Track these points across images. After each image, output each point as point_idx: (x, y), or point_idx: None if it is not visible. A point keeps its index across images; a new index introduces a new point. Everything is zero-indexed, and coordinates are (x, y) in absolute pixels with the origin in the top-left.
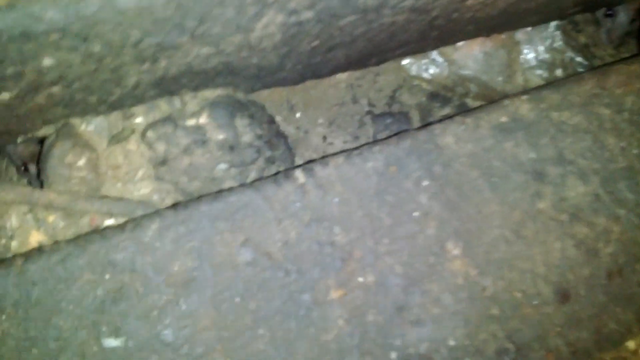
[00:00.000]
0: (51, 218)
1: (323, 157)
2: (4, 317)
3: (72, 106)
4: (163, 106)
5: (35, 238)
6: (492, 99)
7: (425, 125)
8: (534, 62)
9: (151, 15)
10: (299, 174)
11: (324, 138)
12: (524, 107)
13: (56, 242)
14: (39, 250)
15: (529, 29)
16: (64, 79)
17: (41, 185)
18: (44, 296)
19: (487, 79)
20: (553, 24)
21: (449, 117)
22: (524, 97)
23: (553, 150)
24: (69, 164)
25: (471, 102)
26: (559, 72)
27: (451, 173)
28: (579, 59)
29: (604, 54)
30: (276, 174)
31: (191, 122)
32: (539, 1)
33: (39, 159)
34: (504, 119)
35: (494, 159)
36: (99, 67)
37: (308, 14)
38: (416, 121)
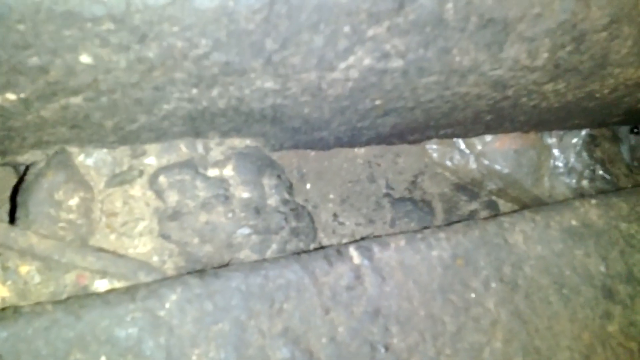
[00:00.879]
0: (25, 269)
1: (378, 236)
2: None
3: (79, 129)
4: (182, 148)
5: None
6: (522, 200)
7: (493, 216)
8: (562, 169)
9: (231, 23)
10: (353, 253)
11: (335, 216)
12: (593, 213)
13: (39, 304)
14: (15, 311)
15: (562, 132)
16: (93, 88)
17: (11, 224)
18: None
19: (517, 178)
20: (584, 132)
21: (516, 211)
22: (593, 201)
23: (622, 266)
24: (58, 202)
25: (500, 201)
26: (585, 184)
27: (521, 277)
28: (600, 172)
29: (619, 172)
30: (322, 248)
31: (213, 172)
32: (597, 103)
33: (16, 190)
34: (574, 222)
35: (565, 267)
36: (142, 81)
37: (398, 62)
38: (439, 212)
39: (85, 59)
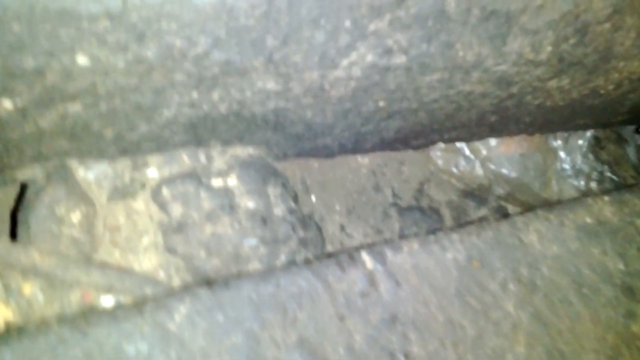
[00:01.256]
0: (28, 288)
1: (388, 240)
2: None
3: (78, 140)
4: (185, 159)
5: (1, 314)
6: (531, 204)
7: (505, 216)
8: (569, 171)
9: (231, 19)
10: (365, 258)
11: (342, 228)
12: (607, 210)
13: (45, 322)
14: (19, 331)
15: (566, 134)
16: (92, 93)
17: (12, 240)
18: None
19: (525, 182)
20: (589, 133)
21: (529, 210)
22: (606, 198)
23: None
24: (60, 218)
25: (509, 206)
26: (593, 185)
27: (538, 277)
28: (608, 174)
29: (626, 174)
30: (333, 254)
31: (217, 182)
32: (601, 100)
33: (16, 206)
34: (588, 220)
35: (582, 265)
36: (141, 84)
37: (400, 58)
38: (448, 219)
39: (82, 60)
